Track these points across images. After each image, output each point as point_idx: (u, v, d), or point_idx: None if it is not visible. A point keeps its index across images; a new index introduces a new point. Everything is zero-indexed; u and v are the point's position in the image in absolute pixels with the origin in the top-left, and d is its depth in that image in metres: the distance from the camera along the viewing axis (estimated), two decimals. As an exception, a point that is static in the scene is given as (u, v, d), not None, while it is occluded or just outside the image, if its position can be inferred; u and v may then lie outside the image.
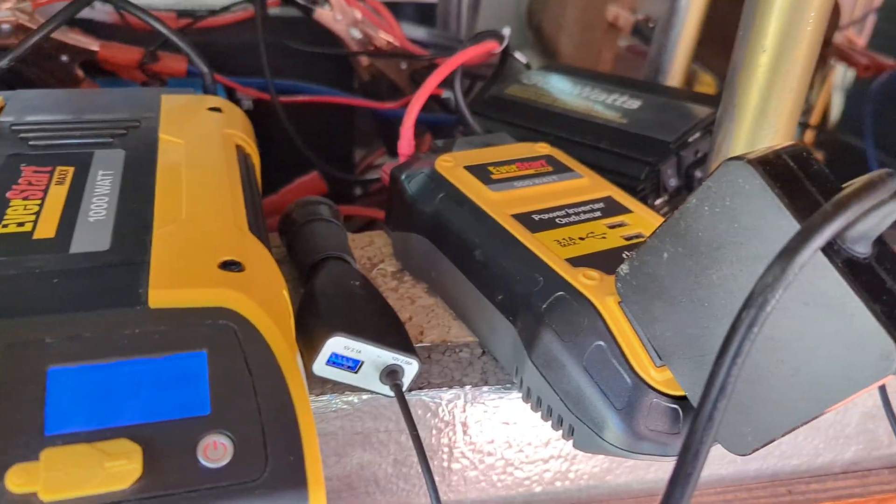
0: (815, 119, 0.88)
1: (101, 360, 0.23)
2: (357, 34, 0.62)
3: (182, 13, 0.70)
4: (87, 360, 0.23)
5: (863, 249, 0.23)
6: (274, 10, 0.69)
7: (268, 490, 0.22)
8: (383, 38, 0.63)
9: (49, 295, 0.25)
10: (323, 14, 0.60)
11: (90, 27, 0.64)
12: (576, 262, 0.32)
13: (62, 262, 0.26)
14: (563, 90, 0.52)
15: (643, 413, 0.28)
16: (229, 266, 0.27)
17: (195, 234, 0.28)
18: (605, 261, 0.32)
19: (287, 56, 0.64)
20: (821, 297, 0.22)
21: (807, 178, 0.24)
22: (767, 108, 0.32)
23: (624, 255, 0.33)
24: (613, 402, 0.28)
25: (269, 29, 0.60)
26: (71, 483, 0.20)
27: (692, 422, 0.19)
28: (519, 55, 0.56)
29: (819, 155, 0.78)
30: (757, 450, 0.26)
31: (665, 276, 0.27)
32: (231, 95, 0.63)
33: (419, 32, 0.74)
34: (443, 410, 0.33)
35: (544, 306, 0.30)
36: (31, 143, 0.35)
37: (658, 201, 0.45)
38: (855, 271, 0.22)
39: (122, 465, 0.21)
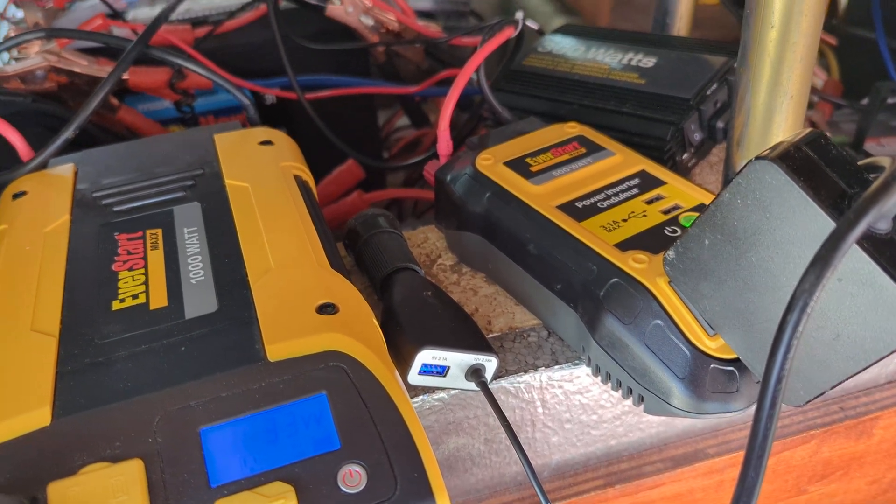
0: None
1: (241, 414, 0.27)
2: (369, 21, 0.64)
3: (196, 22, 0.72)
4: (229, 416, 0.27)
5: (884, 227, 0.25)
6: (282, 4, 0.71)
7: (402, 504, 0.26)
8: (394, 20, 0.64)
9: (182, 363, 0.29)
10: (335, 10, 0.62)
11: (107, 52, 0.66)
12: (623, 245, 0.35)
13: (183, 329, 0.30)
14: (578, 55, 0.54)
15: (704, 379, 0.32)
16: (325, 309, 0.31)
17: (287, 282, 0.32)
18: (650, 240, 0.35)
19: (301, 50, 0.66)
20: (852, 275, 0.25)
21: (827, 166, 0.27)
22: (780, 78, 0.35)
23: (666, 231, 0.36)
24: (676, 373, 0.32)
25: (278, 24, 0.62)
26: (248, 527, 0.25)
27: (757, 409, 0.22)
28: (531, 22, 0.58)
29: (831, 39, 0.79)
30: (810, 401, 0.29)
31: (708, 259, 0.30)
32: (257, 96, 0.66)
33: (424, 2, 0.75)
34: (522, 392, 0.37)
35: (602, 294, 0.34)
36: (115, 209, 0.38)
37: (684, 156, 0.48)
38: (879, 248, 0.25)
39: (283, 504, 0.25)
